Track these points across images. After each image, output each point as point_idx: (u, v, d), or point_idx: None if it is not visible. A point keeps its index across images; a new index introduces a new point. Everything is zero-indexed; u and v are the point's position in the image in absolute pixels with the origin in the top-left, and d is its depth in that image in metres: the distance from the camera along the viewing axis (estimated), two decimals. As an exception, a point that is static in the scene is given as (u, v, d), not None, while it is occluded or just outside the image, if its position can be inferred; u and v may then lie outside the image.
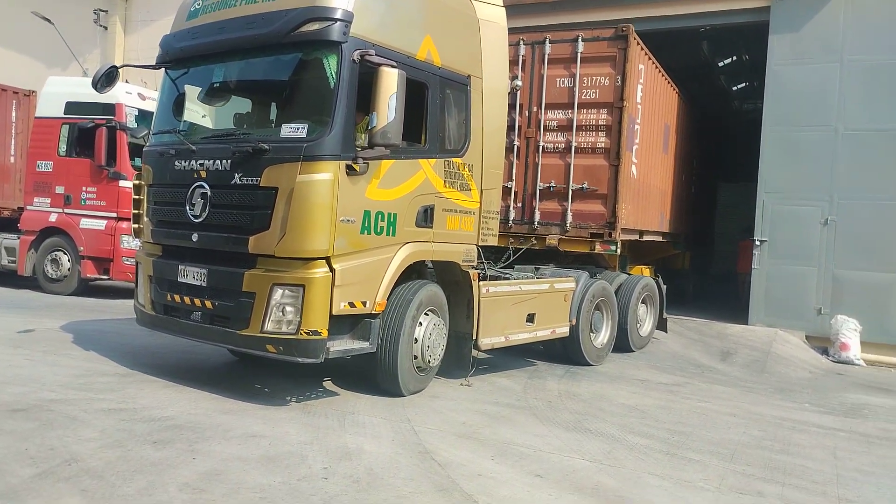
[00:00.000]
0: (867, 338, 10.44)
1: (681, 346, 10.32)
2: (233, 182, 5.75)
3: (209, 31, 6.18)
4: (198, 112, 6.79)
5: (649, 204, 10.61)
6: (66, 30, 17.41)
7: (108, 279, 12.09)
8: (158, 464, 4.23)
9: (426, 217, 6.38)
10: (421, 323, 6.32)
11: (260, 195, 5.63)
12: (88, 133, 11.70)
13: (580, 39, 9.10)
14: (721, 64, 18.23)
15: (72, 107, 12.14)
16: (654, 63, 10.28)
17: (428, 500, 4.03)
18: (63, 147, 12.10)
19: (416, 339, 6.28)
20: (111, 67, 6.73)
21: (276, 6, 5.75)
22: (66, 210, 11.99)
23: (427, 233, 6.41)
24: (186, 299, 6.08)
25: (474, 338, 6.85)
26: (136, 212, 6.89)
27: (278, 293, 5.53)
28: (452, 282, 6.82)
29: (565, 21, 12.60)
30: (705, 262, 16.87)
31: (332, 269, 5.56)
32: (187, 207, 6.01)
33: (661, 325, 10.57)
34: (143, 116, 12.09)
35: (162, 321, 6.41)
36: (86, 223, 11.85)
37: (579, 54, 9.12)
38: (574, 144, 9.16)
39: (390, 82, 5.51)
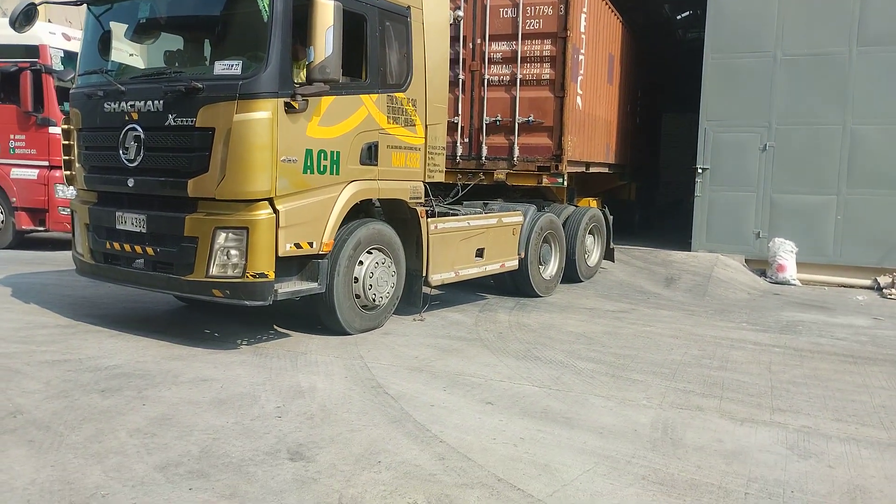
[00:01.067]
0: (802, 259, 10.87)
1: (627, 274, 10.59)
2: (167, 123, 5.56)
3: None
4: (125, 51, 6.50)
5: (595, 135, 10.64)
6: (-21, -34, 16.26)
7: (45, 230, 11.68)
8: (107, 412, 4.19)
9: (370, 154, 6.29)
10: (362, 262, 6.29)
11: (196, 136, 5.47)
12: (12, 77, 11.09)
13: None
14: (664, -8, 18.12)
15: (-8, 49, 11.46)
16: None
17: (381, 431, 4.11)
18: (-15, 93, 11.46)
19: (355, 279, 6.24)
20: (29, 4, 6.34)
21: None
22: (-6, 160, 11.45)
23: (372, 170, 6.33)
24: (126, 246, 5.95)
25: (424, 274, 6.88)
26: (67, 158, 6.70)
27: (222, 237, 5.43)
28: (401, 220, 6.79)
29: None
30: (651, 193, 17.16)
31: (275, 211, 5.47)
32: (121, 151, 5.82)
33: (609, 254, 10.79)
34: (70, 58, 11.47)
35: (102, 270, 6.27)
36: (16, 173, 11.34)
37: None
38: (519, 77, 9.08)
39: (326, 15, 5.35)
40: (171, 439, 3.84)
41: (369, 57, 6.23)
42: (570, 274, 9.70)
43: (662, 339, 6.80)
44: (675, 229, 14.01)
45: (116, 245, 6.03)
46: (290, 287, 5.76)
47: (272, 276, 5.50)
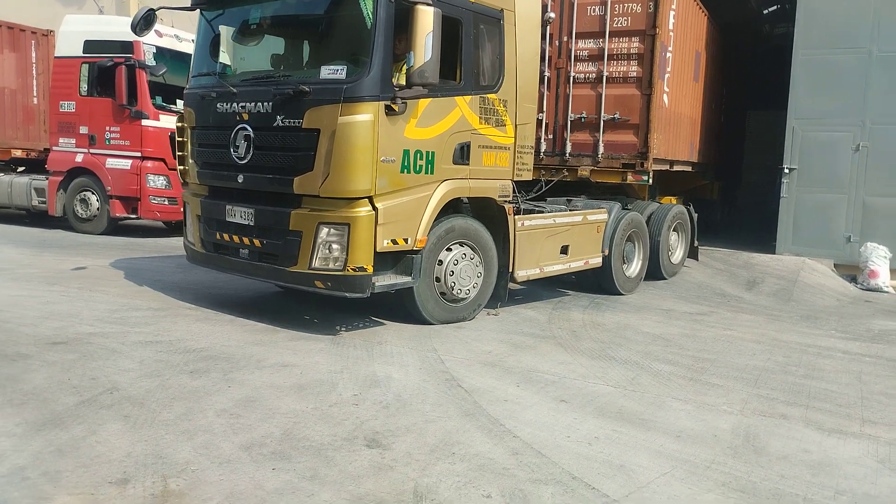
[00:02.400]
0: (896, 265, 10.33)
1: (706, 276, 10.30)
2: (275, 124, 5.87)
3: None
4: (236, 54, 6.89)
5: (680, 133, 10.47)
6: (81, -33, 17.19)
7: (137, 218, 12.27)
8: (195, 392, 4.39)
9: (463, 154, 6.44)
10: (448, 251, 6.45)
11: (302, 137, 5.75)
12: (108, 72, 11.70)
13: None
14: (752, -15, 17.49)
15: (90, 45, 12.11)
16: None
17: (455, 424, 4.15)
18: (84, 87, 12.12)
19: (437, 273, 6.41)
20: (149, 10, 6.77)
21: None
22: (92, 150, 12.09)
23: (464, 170, 6.48)
24: (235, 238, 6.31)
25: (511, 270, 7.00)
26: (181, 154, 7.02)
27: (324, 231, 5.72)
28: (488, 216, 6.89)
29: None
30: (733, 193, 16.62)
31: (374, 208, 5.72)
32: (231, 149, 6.17)
33: (693, 253, 10.66)
34: (162, 54, 12.05)
35: (212, 259, 6.65)
36: (111, 163, 11.97)
37: None
38: (605, 74, 9.05)
39: (426, 21, 5.52)
40: (255, 421, 3.99)
41: (464, 59, 6.37)
42: (654, 271, 9.63)
43: (744, 343, 6.60)
44: (758, 231, 13.52)
45: (226, 236, 6.40)
46: (387, 280, 5.99)
47: (370, 269, 5.77)
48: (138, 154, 11.82)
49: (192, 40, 12.63)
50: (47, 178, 12.60)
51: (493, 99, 6.70)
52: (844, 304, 9.31)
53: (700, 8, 11.01)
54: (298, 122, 5.74)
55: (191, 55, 12.78)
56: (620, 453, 3.85)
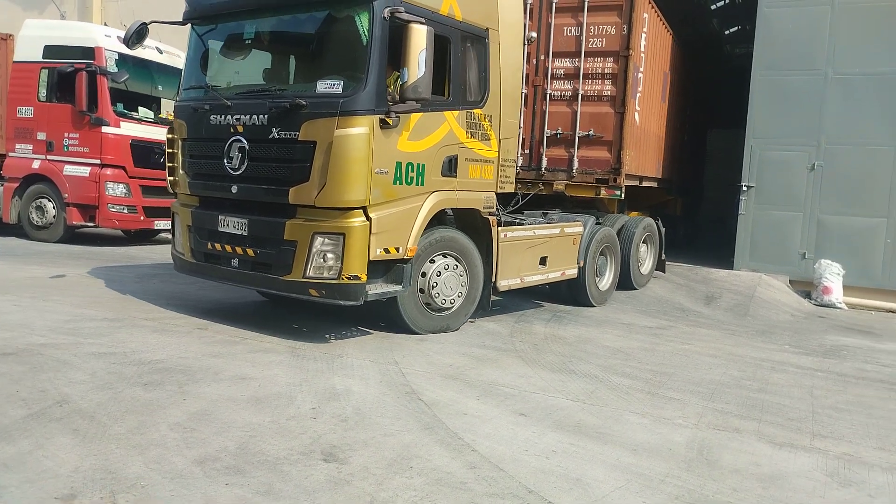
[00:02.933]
0: (849, 282, 10.61)
1: (667, 290, 10.45)
2: (270, 136, 5.99)
3: None
4: (228, 67, 7.04)
5: (649, 150, 10.84)
6: (42, -30, 16.89)
7: (95, 226, 12.03)
8: (149, 405, 4.30)
9: (451, 167, 6.63)
10: (432, 262, 6.61)
11: (298, 149, 5.88)
12: (68, 77, 11.51)
13: None
14: (713, 7, 17.95)
15: (50, 50, 11.89)
16: (655, 11, 10.35)
17: (414, 437, 4.13)
18: (43, 92, 11.90)
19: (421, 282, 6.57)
20: (141, 25, 6.90)
21: None
22: (49, 157, 11.85)
23: (451, 182, 6.66)
24: (227, 247, 6.40)
25: (493, 280, 7.18)
26: (171, 165, 7.05)
27: (319, 241, 5.84)
28: (471, 228, 7.05)
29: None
30: (694, 209, 16.94)
31: (368, 218, 5.87)
32: (225, 161, 6.27)
33: (660, 265, 11.01)
34: (124, 60, 11.88)
35: (203, 268, 6.72)
36: (69, 170, 11.73)
37: (587, 3, 9.29)
38: (581, 92, 9.41)
39: (420, 39, 5.71)
40: (209, 434, 3.92)
41: (452, 76, 6.57)
42: (624, 282, 9.94)
43: (701, 357, 6.70)
44: (717, 247, 13.79)
45: (217, 246, 6.48)
46: (378, 289, 6.11)
47: (364, 278, 5.91)
48: (97, 161, 11.61)
49: (157, 48, 12.70)
50: (2, 185, 12.30)
51: (479, 114, 6.90)
52: (799, 319, 9.52)
53: (667, 29, 11.32)
54: (294, 135, 5.86)
55: (154, 62, 12.78)
56: (577, 467, 3.87)
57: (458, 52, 6.58)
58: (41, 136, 11.89)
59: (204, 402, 4.41)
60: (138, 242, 13.21)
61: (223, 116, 6.29)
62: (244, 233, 6.23)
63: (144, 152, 12.15)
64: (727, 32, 20.19)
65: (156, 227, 12.83)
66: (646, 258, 10.68)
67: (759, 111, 11.42)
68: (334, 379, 5.12)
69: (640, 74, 9.74)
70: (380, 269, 6.15)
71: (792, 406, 5.31)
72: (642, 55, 9.72)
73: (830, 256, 10.75)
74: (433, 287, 6.60)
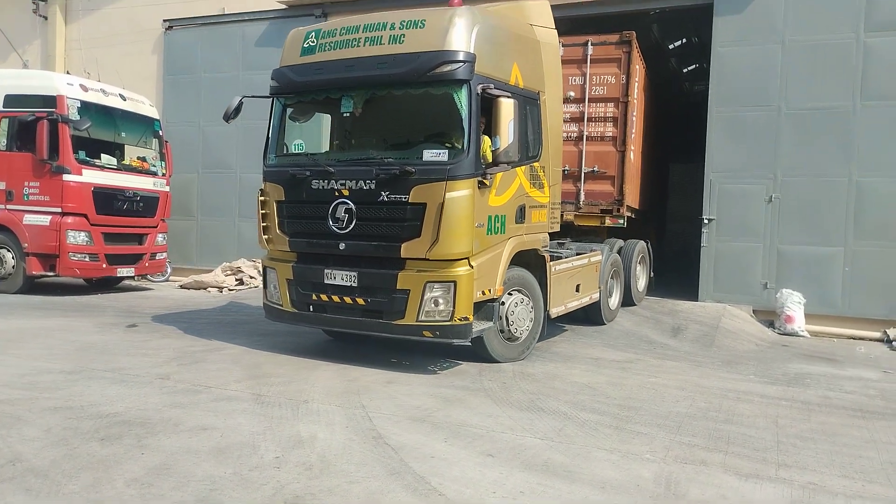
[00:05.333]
0: (811, 310, 10.77)
1: (633, 323, 10.52)
2: (379, 199, 6.68)
3: (336, 68, 6.98)
4: (320, 136, 7.91)
5: (638, 184, 11.63)
6: (4, 20, 16.84)
7: (55, 275, 11.80)
8: (105, 460, 4.18)
9: (521, 215, 7.53)
10: (504, 301, 7.31)
11: (409, 210, 6.60)
12: (29, 126, 11.42)
13: (590, 44, 10.41)
14: (671, 46, 18.45)
15: (11, 100, 11.81)
16: (642, 61, 11.25)
17: (380, 483, 4.07)
18: (3, 141, 11.81)
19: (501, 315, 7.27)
20: (240, 101, 7.61)
21: (405, 48, 6.67)
22: (9, 206, 11.66)
23: (522, 227, 7.54)
24: (335, 298, 7.00)
25: (546, 309, 7.95)
26: (265, 224, 7.52)
27: (432, 289, 6.59)
28: (527, 264, 7.76)
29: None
30: (659, 240, 17.15)
31: (471, 266, 6.66)
32: (330, 221, 6.89)
33: (649, 283, 12.04)
34: (86, 108, 11.82)
35: (306, 317, 7.33)
36: (29, 219, 11.56)
37: (589, 56, 10.41)
38: (586, 133, 10.45)
39: (508, 110, 6.61)
40: (168, 489, 3.82)
41: (520, 136, 7.28)
42: (626, 299, 10.98)
43: (668, 390, 6.73)
44: (682, 278, 13.96)
45: (324, 297, 7.07)
46: (477, 326, 6.86)
47: (472, 318, 6.71)
48: (58, 210, 11.46)
49: (120, 95, 12.67)
50: (-41, 236, 12.03)
51: (537, 166, 7.86)
52: (763, 348, 9.64)
53: (647, 74, 11.94)
54: (405, 198, 6.57)
55: (118, 109, 12.75)
56: (545, 507, 3.83)
57: (523, 114, 7.38)
58: (0, 185, 11.72)
59: (163, 456, 4.30)
60: (100, 290, 12.98)
61: (326, 181, 6.93)
62: (353, 284, 6.87)
63: (107, 199, 12.04)
64: (685, 70, 20.75)
65: (118, 275, 12.64)
66: (641, 277, 11.76)
67: (716, 146, 11.71)
68: (299, 426, 5.04)
69: (634, 117, 10.72)
70: (474, 308, 6.82)
71: (757, 436, 5.34)
72: (635, 101, 10.71)
73: (791, 285, 10.94)
74: (510, 320, 7.35)
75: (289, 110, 7.57)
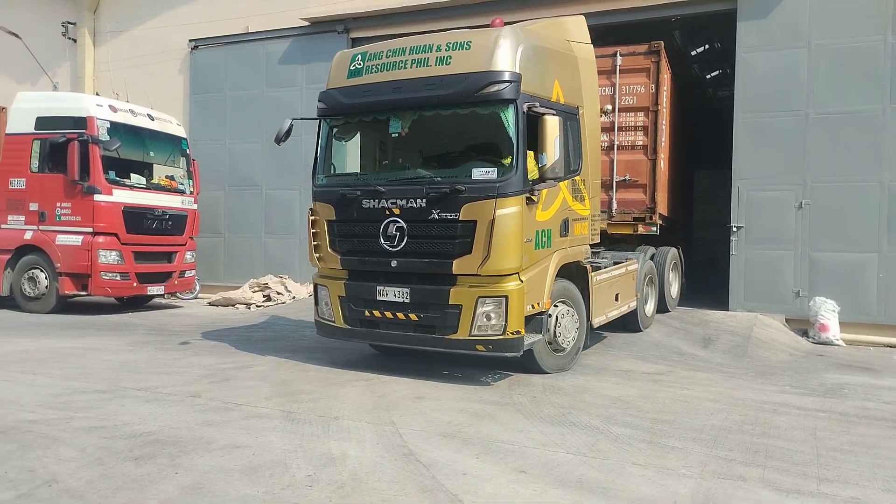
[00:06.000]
0: (845, 318, 10.56)
1: (663, 334, 10.39)
2: (430, 217, 6.84)
3: (384, 90, 7.15)
4: (368, 156, 8.07)
5: (668, 191, 11.63)
6: (35, 44, 17.22)
7: (87, 295, 11.98)
8: (139, 480, 4.21)
9: (565, 228, 7.67)
10: (551, 313, 7.39)
11: (460, 227, 6.75)
12: (60, 148, 11.65)
13: (618, 55, 10.59)
14: (694, 53, 18.33)
15: (43, 122, 12.06)
16: (669, 70, 11.27)
17: (412, 501, 4.04)
18: (35, 163, 12.02)
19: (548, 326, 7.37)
20: (291, 124, 7.76)
21: (452, 70, 6.84)
22: (42, 227, 11.88)
23: (566, 241, 7.68)
24: (388, 314, 7.17)
25: (588, 319, 8.11)
26: (316, 243, 7.69)
27: (484, 304, 6.72)
28: (568, 275, 7.85)
29: (537, 15, 12.65)
30: (687, 249, 16.97)
31: (521, 281, 6.77)
32: (382, 239, 7.06)
33: (682, 288, 12.17)
34: (115, 128, 12.02)
35: (358, 333, 7.49)
36: (62, 239, 11.76)
37: (618, 67, 10.58)
38: (616, 143, 10.60)
39: (554, 128, 6.74)
40: (201, 509, 3.83)
41: (563, 151, 7.31)
42: (660, 306, 11.06)
43: (701, 403, 6.62)
44: (711, 288, 13.78)
45: (376, 312, 7.23)
46: (528, 339, 6.94)
47: (524, 332, 6.81)
48: (90, 229, 11.65)
49: (148, 115, 12.90)
50: (-5, 257, 12.29)
51: (578, 180, 8.01)
52: (797, 358, 9.45)
53: (674, 83, 11.90)
54: (455, 215, 6.73)
55: (146, 129, 12.98)
56: (580, 525, 3.77)
57: (565, 130, 7.42)
58: (33, 206, 11.97)
59: (196, 475, 4.32)
60: (131, 309, 13.15)
61: (377, 201, 7.09)
62: (406, 300, 7.01)
63: (137, 218, 12.22)
64: (708, 77, 20.58)
65: (149, 293, 12.79)
66: (673, 283, 11.83)
67: (743, 152, 11.57)
68: (330, 443, 5.03)
69: (664, 126, 10.83)
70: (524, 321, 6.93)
71: (796, 449, 5.22)
72: (664, 110, 10.83)
73: (824, 293, 10.74)
74: (557, 332, 7.47)
75: (335, 130, 7.72)
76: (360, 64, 7.39)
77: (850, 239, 10.81)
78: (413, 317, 7.02)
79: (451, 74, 6.81)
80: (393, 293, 7.09)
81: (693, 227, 17.69)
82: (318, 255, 7.67)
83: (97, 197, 11.67)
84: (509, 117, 6.72)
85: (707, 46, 17.87)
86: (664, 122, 10.86)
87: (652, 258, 10.90)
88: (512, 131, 6.72)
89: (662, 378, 7.76)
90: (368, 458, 4.73)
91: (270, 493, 4.09)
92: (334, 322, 7.57)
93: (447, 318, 6.84)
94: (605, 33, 12.39)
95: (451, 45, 6.93)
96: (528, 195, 6.78)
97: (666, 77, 10.89)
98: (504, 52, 6.77)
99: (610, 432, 5.54)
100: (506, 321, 6.69)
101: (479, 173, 6.80)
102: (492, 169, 6.79)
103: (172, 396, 6.17)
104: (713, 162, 15.87)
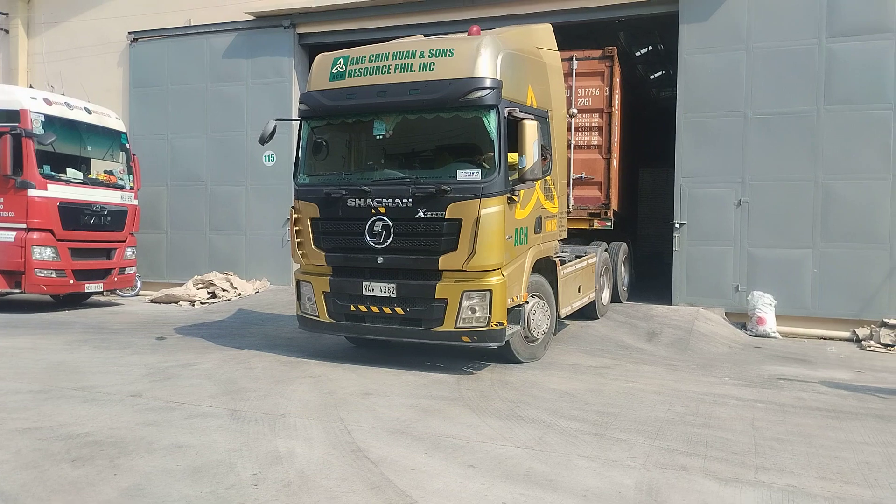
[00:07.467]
0: (781, 311, 10.93)
1: (609, 328, 10.57)
2: (416, 216, 7.11)
3: (368, 93, 7.34)
4: (350, 157, 8.25)
5: (618, 189, 11.95)
6: (-37, 33, 16.45)
7: (21, 293, 11.52)
8: (77, 482, 4.07)
9: (539, 225, 8.15)
10: (527, 302, 7.79)
11: (446, 225, 7.05)
12: (-8, 141, 11.12)
13: (574, 59, 11.15)
14: (638, 54, 18.67)
15: (-28, 114, 11.50)
16: (621, 73, 11.65)
17: (360, 498, 4.01)
18: (-35, 157, 11.44)
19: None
20: (274, 125, 7.97)
21: (435, 75, 7.10)
22: (-29, 223, 11.35)
23: (539, 237, 8.16)
24: (373, 308, 7.40)
25: (556, 310, 8.57)
26: (299, 241, 7.82)
27: (469, 297, 7.08)
28: (539, 270, 8.25)
29: (484, 14, 12.72)
30: (634, 244, 17.30)
31: (503, 276, 7.15)
32: (368, 237, 7.28)
33: (631, 281, 12.84)
34: (50, 122, 11.60)
35: (343, 327, 7.74)
36: (-7, 236, 11.26)
37: (575, 70, 11.12)
38: (573, 143, 11.03)
39: (533, 132, 7.07)
40: (142, 511, 3.72)
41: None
42: (614, 296, 11.75)
43: (646, 395, 6.76)
44: (655, 282, 14.09)
45: (362, 307, 7.46)
46: (508, 330, 7.33)
47: (506, 323, 7.22)
48: (23, 225, 11.20)
49: (85, 108, 12.46)
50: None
51: (549, 180, 8.47)
52: (736, 350, 9.75)
53: (622, 85, 12.02)
54: (441, 214, 7.02)
55: (83, 123, 12.55)
56: (528, 518, 3.81)
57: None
58: (-38, 202, 11.42)
59: (137, 476, 4.20)
60: (68, 307, 12.70)
61: (362, 200, 7.30)
62: (392, 295, 7.27)
63: (73, 214, 11.81)
64: (652, 77, 21.01)
65: (87, 291, 12.39)
66: (626, 275, 12.62)
67: (686, 151, 11.85)
68: (277, 441, 4.96)
69: (616, 126, 11.34)
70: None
71: (735, 440, 5.38)
72: (617, 111, 11.33)
73: (762, 288, 11.09)
74: (531, 322, 7.84)
75: (316, 131, 7.86)
76: (342, 67, 7.57)
77: (786, 235, 11.19)
78: (399, 311, 7.27)
79: (435, 80, 7.08)
80: (379, 288, 7.32)
81: (638, 223, 18.04)
82: (301, 251, 7.82)
83: (31, 192, 11.23)
84: (491, 121, 7.01)
85: (651, 48, 18.24)
86: (617, 123, 11.32)
87: (606, 251, 11.43)
88: (494, 135, 7.00)
89: (608, 371, 7.90)
90: (316, 456, 4.68)
91: (214, 493, 4.01)
92: (318, 317, 7.74)
93: (433, 312, 7.15)
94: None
95: (434, 52, 7.20)
96: (509, 195, 7.13)
97: (618, 80, 11.34)
98: (485, 59, 7.07)
99: (557, 426, 5.61)
100: (490, 313, 7.04)
101: (463, 174, 7.09)
102: (476, 170, 7.09)
103: (112, 396, 5.99)
104: (657, 160, 16.24)
